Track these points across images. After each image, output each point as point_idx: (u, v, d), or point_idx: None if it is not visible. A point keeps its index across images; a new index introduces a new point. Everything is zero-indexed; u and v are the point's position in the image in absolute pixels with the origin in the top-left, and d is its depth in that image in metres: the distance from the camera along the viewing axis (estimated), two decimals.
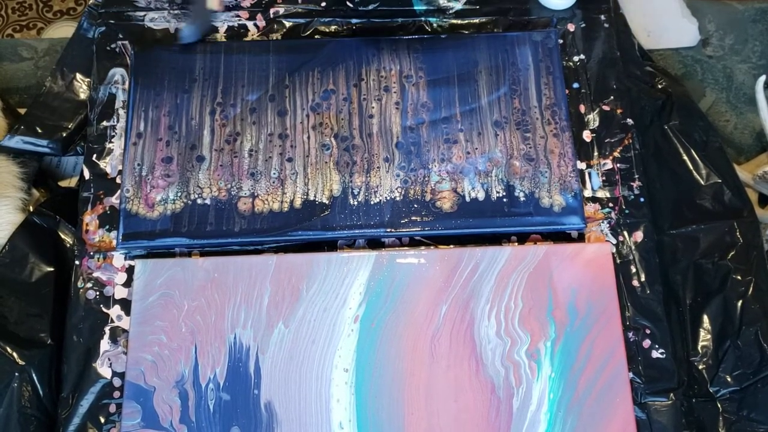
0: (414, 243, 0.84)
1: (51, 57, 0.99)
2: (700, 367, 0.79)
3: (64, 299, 0.81)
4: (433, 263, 0.80)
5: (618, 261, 0.83)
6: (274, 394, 0.76)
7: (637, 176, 0.86)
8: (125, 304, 0.81)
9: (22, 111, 0.93)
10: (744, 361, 0.78)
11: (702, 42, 1.00)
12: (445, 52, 0.90)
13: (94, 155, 0.87)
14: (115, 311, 0.81)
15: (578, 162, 0.86)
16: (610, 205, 0.85)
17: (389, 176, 0.84)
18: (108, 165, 0.86)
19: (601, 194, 0.86)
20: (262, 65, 0.89)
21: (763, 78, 0.93)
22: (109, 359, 0.79)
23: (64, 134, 0.89)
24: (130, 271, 0.82)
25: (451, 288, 0.79)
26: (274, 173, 0.85)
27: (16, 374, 0.76)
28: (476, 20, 0.95)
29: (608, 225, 0.84)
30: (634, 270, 0.83)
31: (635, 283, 0.82)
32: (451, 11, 0.95)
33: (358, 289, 0.79)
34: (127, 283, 0.81)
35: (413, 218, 0.83)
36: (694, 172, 0.86)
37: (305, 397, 0.76)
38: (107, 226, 0.84)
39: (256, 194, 0.83)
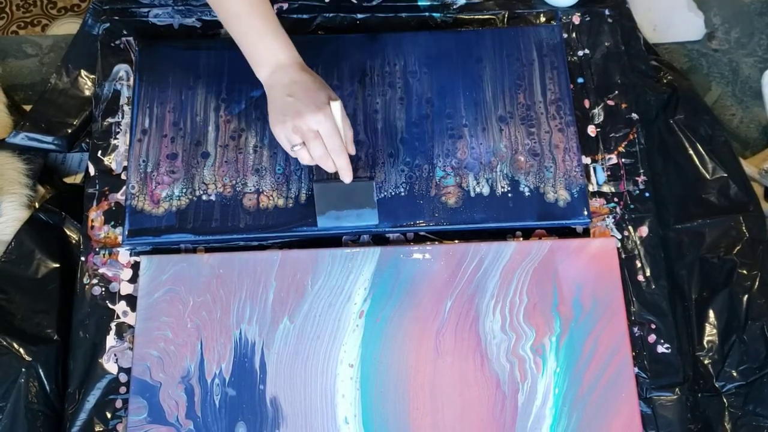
0: (419, 238, 0.84)
1: (55, 54, 0.99)
2: (706, 361, 0.79)
3: (70, 295, 0.82)
4: (438, 258, 0.80)
5: (623, 256, 0.83)
6: (280, 390, 0.76)
7: (642, 171, 0.86)
8: (131, 300, 0.81)
9: (27, 108, 0.93)
10: (750, 356, 0.78)
11: (707, 35, 1.00)
12: (449, 47, 0.90)
13: (99, 152, 0.87)
14: (120, 307, 0.81)
15: (583, 157, 0.86)
16: (615, 199, 0.85)
17: (394, 172, 0.84)
18: (113, 161, 0.87)
19: (606, 189, 0.85)
20: None
21: None
22: (115, 355, 0.79)
23: (69, 131, 0.89)
24: (135, 267, 0.82)
25: (455, 283, 0.79)
26: (279, 169, 0.85)
27: (23, 370, 0.76)
28: (480, 15, 0.94)
29: (613, 220, 0.84)
30: (639, 265, 0.82)
31: (640, 277, 0.82)
32: (455, 6, 0.95)
33: (363, 285, 0.79)
34: (133, 279, 0.82)
35: (418, 213, 0.82)
36: (699, 166, 0.86)
37: (310, 392, 0.76)
38: (112, 223, 0.84)
39: (261, 190, 0.83)
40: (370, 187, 0.81)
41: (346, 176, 0.78)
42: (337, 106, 0.75)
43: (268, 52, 0.77)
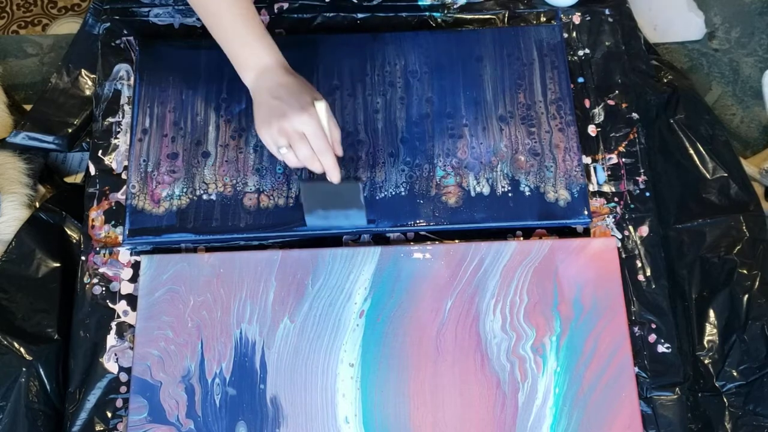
0: (419, 238, 0.84)
1: (56, 53, 0.99)
2: (706, 361, 0.79)
3: (71, 295, 0.82)
4: (438, 258, 0.80)
5: (623, 255, 0.83)
6: (280, 389, 0.76)
7: (642, 170, 0.86)
8: (131, 300, 0.81)
9: (28, 107, 0.93)
10: (750, 356, 0.78)
11: (708, 35, 1.00)
12: (449, 46, 0.90)
13: (100, 151, 0.87)
14: (121, 306, 0.81)
15: (583, 156, 0.86)
16: (616, 199, 0.85)
17: (394, 171, 0.84)
18: (113, 161, 0.87)
19: (606, 189, 0.85)
20: None
21: None
22: (115, 354, 0.79)
23: (70, 130, 0.89)
24: (136, 266, 0.82)
25: (456, 283, 0.79)
26: (279, 169, 0.85)
27: (24, 369, 0.76)
28: (480, 15, 0.94)
29: (613, 219, 0.84)
30: (639, 264, 0.82)
31: (641, 277, 0.82)
32: (455, 6, 0.95)
33: (364, 284, 0.79)
34: (133, 279, 0.82)
35: (418, 213, 0.82)
36: (700, 166, 0.86)
37: (311, 391, 0.76)
38: (113, 222, 0.84)
39: (261, 190, 0.84)
40: (357, 188, 0.79)
41: (334, 176, 0.76)
42: (322, 107, 0.74)
43: (252, 55, 0.76)
